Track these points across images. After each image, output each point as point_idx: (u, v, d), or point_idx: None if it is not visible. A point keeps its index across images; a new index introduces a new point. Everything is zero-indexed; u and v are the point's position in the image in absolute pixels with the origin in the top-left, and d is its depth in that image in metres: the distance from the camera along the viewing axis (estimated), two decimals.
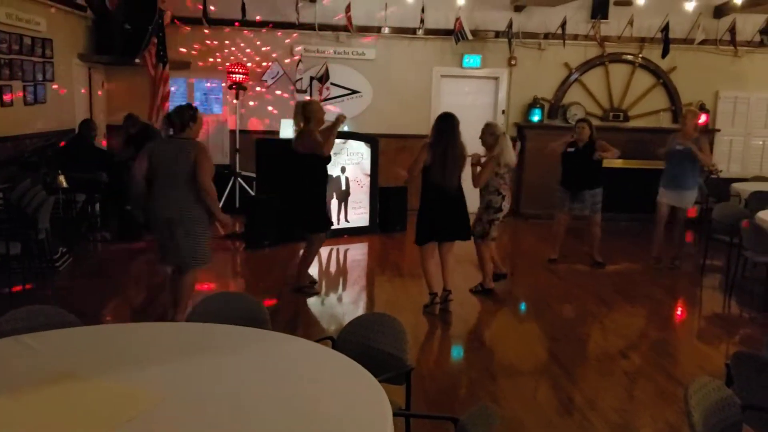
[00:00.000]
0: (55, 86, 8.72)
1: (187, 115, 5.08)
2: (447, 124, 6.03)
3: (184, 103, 5.37)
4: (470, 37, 10.55)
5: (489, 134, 6.62)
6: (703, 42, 10.97)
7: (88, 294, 6.44)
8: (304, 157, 6.34)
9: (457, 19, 10.41)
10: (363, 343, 3.23)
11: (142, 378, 2.59)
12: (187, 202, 5.02)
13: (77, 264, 7.39)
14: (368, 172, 9.43)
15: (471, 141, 6.35)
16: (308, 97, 9.91)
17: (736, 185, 9.63)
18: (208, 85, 10.80)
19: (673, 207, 7.94)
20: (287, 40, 10.73)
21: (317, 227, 6.61)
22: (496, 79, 11.19)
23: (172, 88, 10.39)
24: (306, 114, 6.36)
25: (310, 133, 6.32)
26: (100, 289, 6.64)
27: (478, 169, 6.46)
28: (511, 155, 6.61)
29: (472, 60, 10.98)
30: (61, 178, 7.69)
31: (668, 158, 7.86)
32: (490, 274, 6.83)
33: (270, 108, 10.82)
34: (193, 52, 10.63)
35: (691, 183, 7.81)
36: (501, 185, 6.59)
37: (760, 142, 11.67)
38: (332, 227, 7.21)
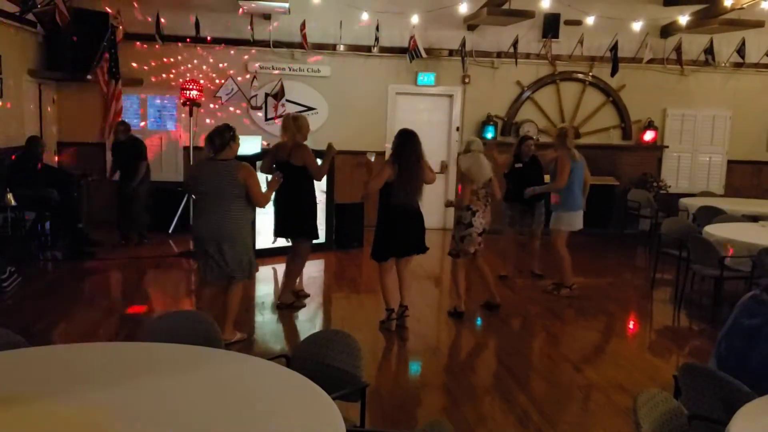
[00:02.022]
0: (2, 103, 8.53)
1: (227, 136, 5.38)
2: (408, 140, 6.04)
3: (222, 124, 5.61)
4: (424, 55, 10.66)
5: (464, 151, 6.72)
6: (650, 61, 11.27)
7: (37, 315, 6.28)
8: (298, 168, 6.52)
9: (412, 37, 10.52)
10: (318, 360, 3.22)
11: (91, 400, 2.53)
12: (233, 220, 5.39)
13: (26, 284, 7.21)
14: (324, 188, 9.41)
15: (427, 157, 6.36)
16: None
17: (684, 200, 9.87)
18: (162, 101, 10.69)
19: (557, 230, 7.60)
20: (242, 57, 10.70)
21: (314, 233, 6.95)
22: (451, 96, 11.32)
23: (125, 104, 10.28)
24: (298, 125, 6.61)
25: (305, 149, 6.63)
26: (50, 310, 6.48)
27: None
28: (479, 172, 6.50)
29: (426, 78, 11.09)
30: (10, 196, 7.52)
31: None
32: (463, 296, 6.77)
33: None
34: (147, 69, 10.53)
35: (562, 202, 7.44)
36: (473, 201, 6.54)
37: (707, 158, 12.00)
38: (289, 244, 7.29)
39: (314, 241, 9.18)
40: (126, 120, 10.28)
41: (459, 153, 6.73)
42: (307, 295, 7.11)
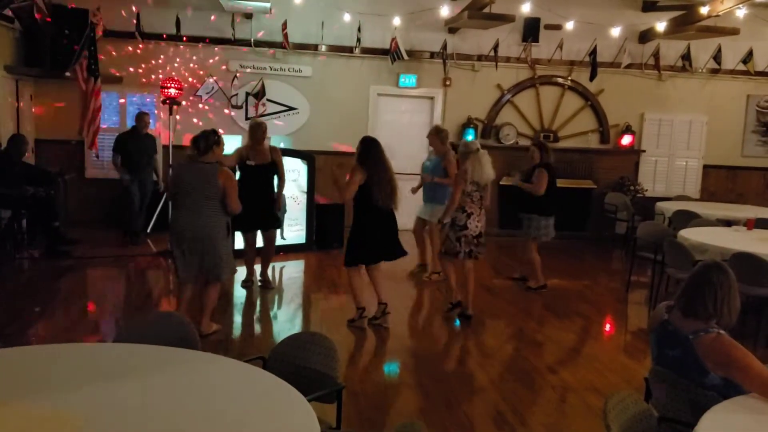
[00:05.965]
0: None
1: (211, 139, 5.62)
2: (378, 148, 6.08)
3: (208, 129, 5.84)
4: (406, 57, 10.70)
5: (460, 153, 6.76)
6: (629, 66, 11.39)
7: (12, 314, 6.23)
8: (263, 166, 7.13)
9: (393, 39, 10.55)
10: (294, 362, 3.24)
11: (65, 401, 2.54)
12: (213, 221, 5.62)
13: (1, 283, 7.14)
14: (305, 189, 9.42)
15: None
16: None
17: (660, 204, 9.97)
18: (142, 99, 10.61)
19: (425, 220, 8.18)
20: (223, 56, 10.66)
21: (278, 222, 7.69)
22: (432, 98, 11.37)
23: (104, 102, 10.19)
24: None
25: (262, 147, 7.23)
26: (26, 310, 6.43)
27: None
28: (481, 173, 6.52)
29: (407, 79, 11.13)
30: None
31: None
32: (457, 290, 6.83)
33: (204, 123, 10.70)
34: (126, 66, 10.46)
35: (439, 197, 7.78)
36: (467, 203, 6.52)
37: (683, 163, 12.13)
38: None
39: (295, 242, 9.32)
40: (105, 118, 10.22)
41: (461, 150, 6.75)
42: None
